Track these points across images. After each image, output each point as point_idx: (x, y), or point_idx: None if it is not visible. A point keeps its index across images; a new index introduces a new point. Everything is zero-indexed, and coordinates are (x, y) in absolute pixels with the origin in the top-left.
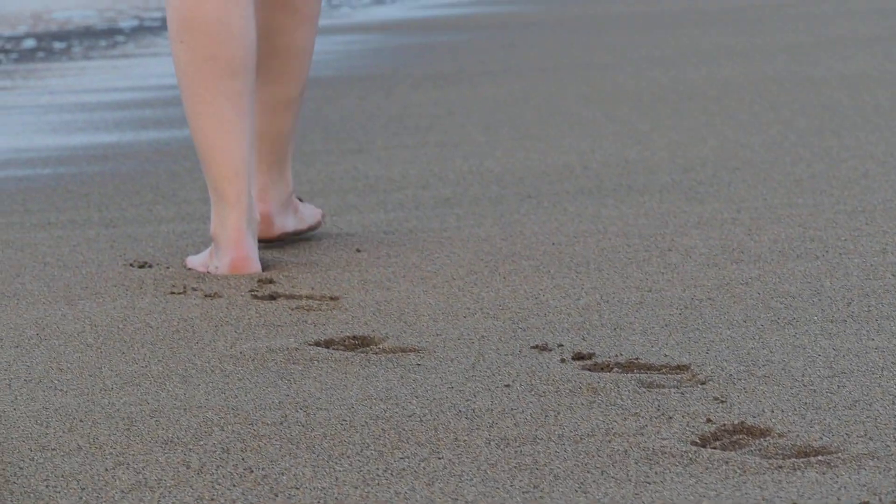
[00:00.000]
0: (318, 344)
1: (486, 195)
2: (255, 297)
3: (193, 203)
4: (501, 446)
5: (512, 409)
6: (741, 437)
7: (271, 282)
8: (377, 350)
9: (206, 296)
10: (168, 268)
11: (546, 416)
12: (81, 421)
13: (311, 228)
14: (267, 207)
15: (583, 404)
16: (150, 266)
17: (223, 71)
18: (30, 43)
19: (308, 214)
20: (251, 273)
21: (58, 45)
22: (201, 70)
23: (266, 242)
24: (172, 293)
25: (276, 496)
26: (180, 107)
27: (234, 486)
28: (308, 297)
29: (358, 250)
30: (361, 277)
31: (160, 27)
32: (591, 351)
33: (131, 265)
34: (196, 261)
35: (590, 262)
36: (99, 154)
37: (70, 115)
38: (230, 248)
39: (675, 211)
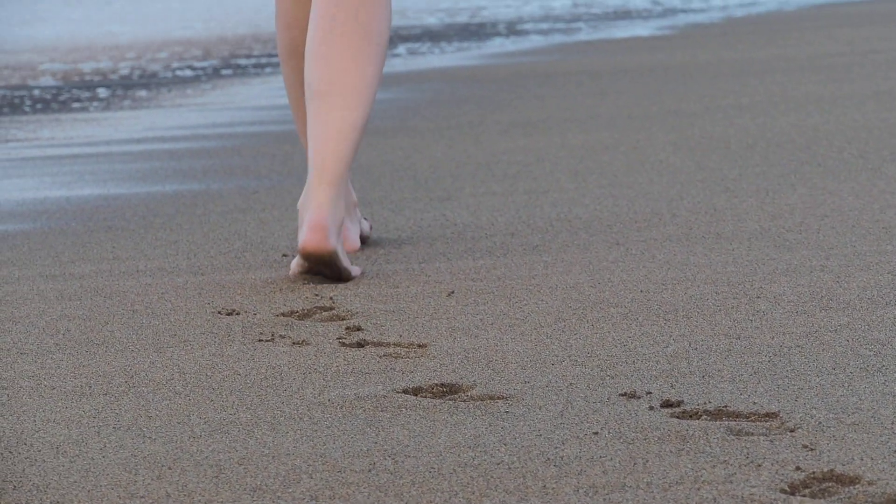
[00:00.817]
0: (406, 391)
1: (575, 242)
2: (343, 344)
3: (281, 250)
4: (590, 494)
5: (600, 457)
6: (830, 484)
7: (359, 329)
8: (465, 397)
9: (294, 343)
10: (256, 315)
11: (635, 463)
12: (170, 469)
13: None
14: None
15: (671, 452)
16: (238, 314)
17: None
18: (104, 91)
19: (365, 226)
20: (323, 250)
21: (143, 92)
22: (303, 87)
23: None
24: (260, 340)
25: None
26: (268, 156)
27: None
28: (396, 345)
29: (448, 295)
30: (449, 325)
31: (234, 75)
32: (679, 398)
33: (219, 313)
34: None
35: (678, 310)
36: (188, 202)
37: (159, 162)
38: (307, 222)
39: (763, 258)
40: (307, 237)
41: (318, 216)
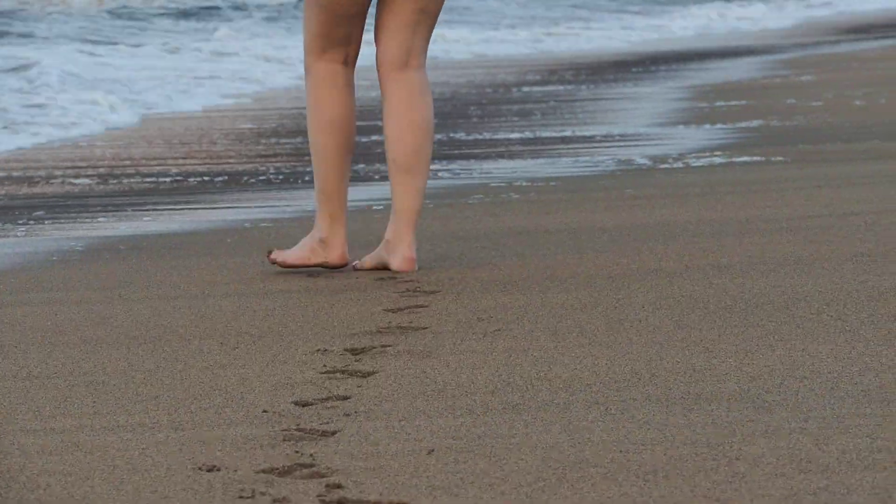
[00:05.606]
0: None
1: (554, 401)
2: (324, 502)
3: (261, 406)
4: None
5: None
6: None
7: (340, 486)
8: None
9: (274, 501)
10: (237, 471)
11: None
12: None
13: None
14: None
15: None
16: (219, 470)
17: (346, 150)
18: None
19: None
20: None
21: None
22: (335, 149)
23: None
24: (241, 497)
25: None
26: (248, 311)
27: None
28: (376, 503)
29: (428, 453)
30: (430, 483)
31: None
32: None
33: (200, 469)
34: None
35: (658, 471)
36: (168, 356)
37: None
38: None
39: (742, 419)
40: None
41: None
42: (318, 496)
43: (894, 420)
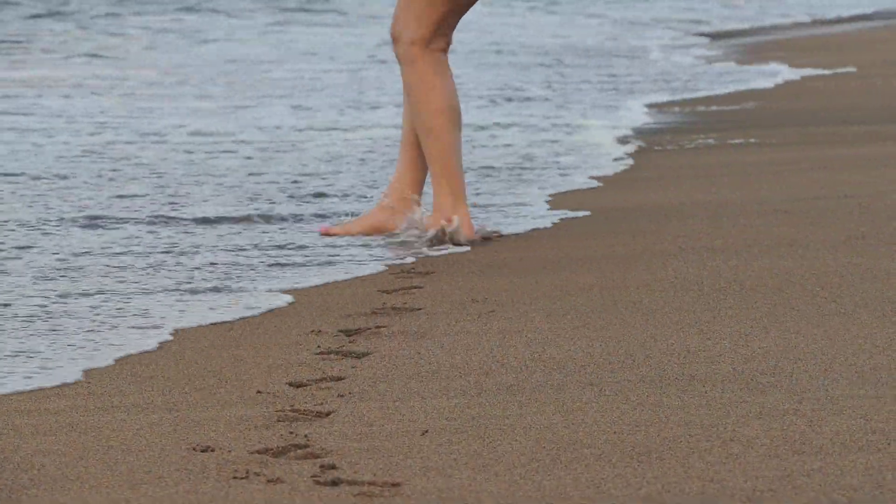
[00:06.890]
0: None
1: (549, 382)
2: (318, 482)
3: (255, 387)
4: None
5: None
6: None
7: (334, 467)
8: None
9: (268, 481)
10: (231, 452)
11: None
12: None
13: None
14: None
15: None
16: (213, 450)
17: (459, 129)
18: None
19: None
20: (473, 237)
21: None
22: (451, 129)
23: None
24: (235, 478)
25: None
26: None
27: None
28: (370, 483)
29: (422, 434)
30: (423, 464)
31: None
32: None
33: (194, 449)
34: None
35: (651, 452)
36: (164, 338)
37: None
38: (466, 221)
39: (736, 401)
40: (467, 232)
41: (470, 218)
42: (311, 476)
43: (888, 402)
